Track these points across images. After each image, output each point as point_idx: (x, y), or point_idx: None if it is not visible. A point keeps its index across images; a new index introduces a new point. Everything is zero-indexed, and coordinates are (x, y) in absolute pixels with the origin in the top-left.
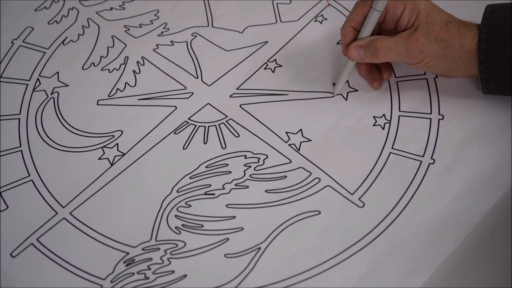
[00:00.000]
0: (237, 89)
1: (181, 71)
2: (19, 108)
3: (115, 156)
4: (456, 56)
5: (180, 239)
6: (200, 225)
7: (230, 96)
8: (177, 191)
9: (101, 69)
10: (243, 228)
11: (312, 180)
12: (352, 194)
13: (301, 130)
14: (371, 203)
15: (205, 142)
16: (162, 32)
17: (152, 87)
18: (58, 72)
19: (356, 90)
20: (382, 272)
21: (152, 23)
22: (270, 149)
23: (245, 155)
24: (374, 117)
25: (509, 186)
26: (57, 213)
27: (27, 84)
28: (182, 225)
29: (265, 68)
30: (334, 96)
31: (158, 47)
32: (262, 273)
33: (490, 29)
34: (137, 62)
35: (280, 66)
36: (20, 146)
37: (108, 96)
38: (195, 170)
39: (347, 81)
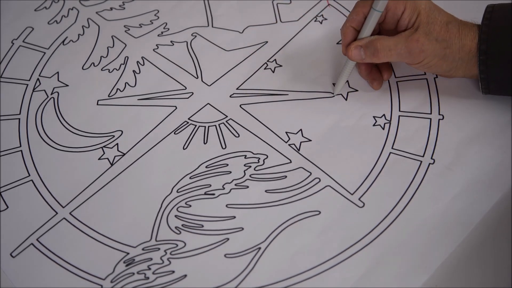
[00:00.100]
0: (237, 89)
1: (181, 71)
2: (19, 108)
3: (115, 156)
4: (456, 56)
5: (180, 239)
6: (200, 225)
7: (230, 96)
8: (177, 191)
9: (101, 69)
10: (243, 228)
11: (312, 180)
12: (352, 194)
13: (301, 130)
14: (371, 203)
15: (205, 142)
16: (162, 32)
17: (152, 87)
18: (58, 72)
19: (356, 90)
20: (382, 272)
21: (152, 23)
22: (270, 149)
23: (245, 155)
24: (374, 117)
25: (509, 186)
26: (57, 213)
27: (27, 84)
28: (182, 225)
29: (265, 68)
30: (334, 96)
31: (158, 47)
32: (262, 273)
33: (490, 29)
34: (137, 62)
35: (280, 66)
36: (20, 146)
37: (108, 96)
38: (195, 170)
39: (347, 81)
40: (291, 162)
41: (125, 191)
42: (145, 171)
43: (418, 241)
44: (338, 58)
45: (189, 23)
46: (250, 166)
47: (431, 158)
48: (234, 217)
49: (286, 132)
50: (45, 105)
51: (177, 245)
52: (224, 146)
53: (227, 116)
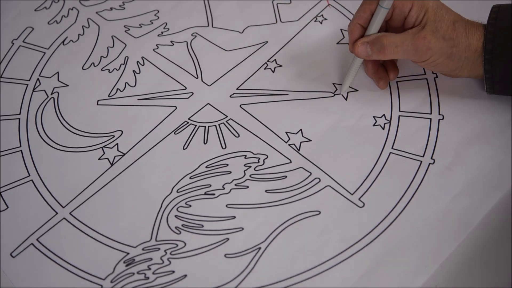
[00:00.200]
0: (237, 89)
1: (181, 71)
2: (19, 108)
3: (115, 156)
4: (462, 55)
5: (180, 239)
6: (200, 225)
7: (230, 96)
8: (177, 191)
9: (101, 69)
10: (243, 228)
11: (312, 180)
12: (352, 194)
13: (301, 130)
14: (371, 203)
15: (205, 142)
16: (162, 32)
17: (152, 87)
18: (58, 72)
19: (356, 90)
20: (382, 272)
21: (152, 23)
22: (270, 149)
23: (245, 155)
24: (374, 117)
25: (509, 186)
26: (57, 213)
27: (27, 84)
28: (182, 225)
29: (265, 68)
30: (340, 94)
31: (158, 47)
32: (262, 273)
33: (496, 29)
34: (137, 62)
35: (280, 66)
36: (20, 146)
37: (108, 96)
38: (195, 170)
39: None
40: (291, 162)
41: (125, 191)
42: (145, 171)
43: (418, 241)
44: (338, 58)
45: (189, 23)
46: (250, 166)
47: (431, 158)
48: (234, 217)
49: (286, 132)
50: (45, 105)
51: (177, 245)
52: (224, 146)
53: (227, 116)
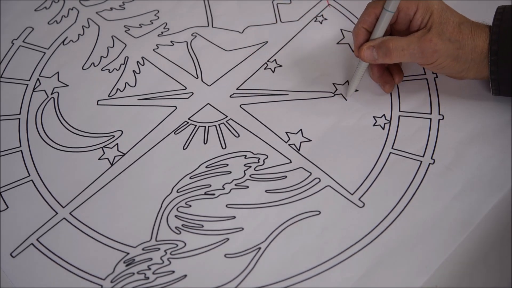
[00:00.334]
0: (237, 89)
1: (181, 71)
2: (19, 108)
3: (115, 156)
4: (469, 57)
5: (180, 239)
6: (200, 225)
7: (230, 96)
8: (177, 191)
9: (101, 69)
10: (243, 228)
11: (312, 180)
12: (352, 194)
13: (301, 130)
14: (371, 203)
15: (205, 142)
16: (162, 32)
17: (152, 87)
18: (58, 72)
19: (356, 90)
20: (382, 272)
21: (152, 23)
22: (270, 149)
23: (245, 155)
24: (374, 117)
25: (509, 186)
26: (57, 213)
27: (27, 84)
28: (182, 225)
29: (265, 68)
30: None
31: (158, 47)
32: (262, 273)
33: (502, 30)
34: (137, 62)
35: (280, 66)
36: (20, 146)
37: (108, 96)
38: (195, 170)
39: (347, 81)
40: (291, 162)
41: (125, 191)
42: (145, 171)
43: (418, 241)
44: (339, 58)
45: (189, 23)
46: (250, 166)
47: (431, 158)
48: (234, 217)
49: (286, 132)
50: (45, 105)
51: (177, 245)
52: (224, 146)
53: (227, 116)
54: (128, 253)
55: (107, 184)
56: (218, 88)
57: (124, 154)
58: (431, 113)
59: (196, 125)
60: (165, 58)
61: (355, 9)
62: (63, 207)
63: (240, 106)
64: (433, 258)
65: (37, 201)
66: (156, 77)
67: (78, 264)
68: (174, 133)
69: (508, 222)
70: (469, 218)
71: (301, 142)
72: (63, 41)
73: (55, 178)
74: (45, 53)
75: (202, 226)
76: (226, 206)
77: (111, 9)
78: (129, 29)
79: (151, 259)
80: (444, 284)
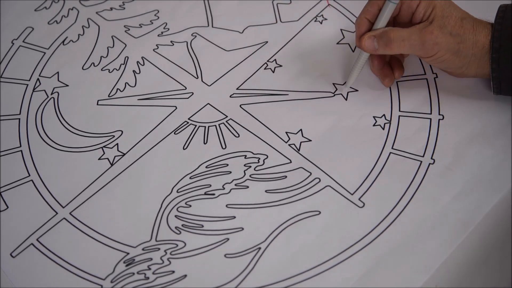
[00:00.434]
0: (237, 89)
1: (181, 71)
2: (19, 108)
3: (115, 156)
4: (469, 52)
5: (180, 239)
6: (200, 225)
7: (230, 96)
8: (177, 191)
9: (101, 69)
10: (243, 228)
11: (312, 180)
12: (352, 194)
13: (301, 130)
14: (371, 203)
15: (205, 142)
16: (162, 32)
17: (152, 87)
18: (58, 72)
19: (356, 90)
20: (382, 272)
21: (152, 23)
22: (270, 149)
23: (245, 155)
24: (374, 117)
25: (509, 186)
26: (57, 213)
27: (27, 84)
28: (182, 225)
29: (265, 68)
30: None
31: (158, 47)
32: (262, 273)
33: (503, 28)
34: (137, 62)
35: (280, 66)
36: (20, 146)
37: (108, 96)
38: (195, 170)
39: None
40: (291, 162)
41: (125, 191)
42: (145, 171)
43: (418, 241)
44: (338, 58)
45: (189, 23)
46: (250, 166)
47: (431, 158)
48: (234, 217)
49: (286, 132)
50: (45, 105)
51: (177, 245)
52: (224, 146)
53: (227, 116)
54: (128, 253)
55: (107, 184)
56: (218, 88)
57: (124, 154)
58: (431, 113)
59: (196, 125)
60: (165, 58)
61: (355, 9)
62: (63, 207)
63: (240, 106)
64: (433, 258)
65: (37, 201)
66: (156, 77)
67: (78, 264)
68: (174, 133)
69: (508, 222)
70: (469, 218)
71: (301, 142)
72: (63, 41)
73: (55, 178)
74: (45, 53)
75: (202, 226)
76: (226, 206)
77: (111, 9)
78: (129, 29)
79: (151, 259)
80: (444, 284)
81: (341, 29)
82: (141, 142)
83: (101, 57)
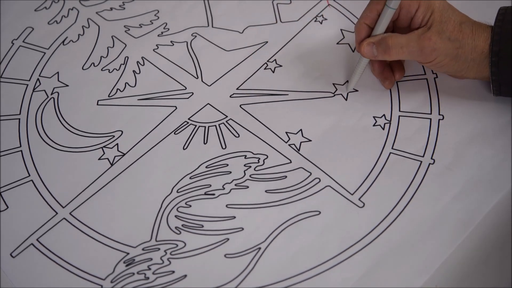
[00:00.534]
0: (237, 89)
1: (181, 71)
2: (19, 108)
3: (115, 156)
4: (468, 56)
5: (180, 239)
6: (200, 225)
7: (230, 96)
8: (177, 191)
9: (101, 69)
10: (243, 228)
11: (312, 180)
12: (352, 194)
13: (301, 130)
14: (371, 203)
15: (205, 142)
16: (162, 32)
17: (152, 87)
18: (58, 72)
19: (356, 90)
20: (382, 272)
21: (152, 23)
22: (270, 149)
23: (245, 155)
24: (374, 117)
25: (509, 186)
26: (57, 213)
27: (27, 84)
28: (182, 225)
29: (265, 68)
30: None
31: (158, 47)
32: (262, 273)
33: (503, 31)
34: (137, 62)
35: (280, 66)
36: (20, 146)
37: (108, 96)
38: (195, 170)
39: (347, 81)
40: (291, 162)
41: (125, 191)
42: (145, 171)
43: (418, 241)
44: (338, 58)
45: (189, 23)
46: (250, 166)
47: (431, 158)
48: (234, 217)
49: (286, 132)
50: (45, 105)
51: (177, 245)
52: (224, 146)
53: (227, 116)
54: (128, 253)
55: (107, 184)
56: (218, 88)
57: (124, 154)
58: (431, 113)
59: (196, 125)
60: (165, 58)
61: (355, 9)
62: (63, 207)
63: (240, 106)
64: (433, 258)
65: (37, 201)
66: (156, 77)
67: (78, 264)
68: (174, 133)
69: (508, 222)
70: (469, 218)
71: (301, 142)
72: (63, 41)
73: (55, 178)
74: (45, 53)
75: (202, 226)
76: (226, 206)
77: (111, 9)
78: (129, 29)
79: (151, 259)
80: (444, 284)
81: (341, 29)
82: (141, 142)
83: (101, 57)
